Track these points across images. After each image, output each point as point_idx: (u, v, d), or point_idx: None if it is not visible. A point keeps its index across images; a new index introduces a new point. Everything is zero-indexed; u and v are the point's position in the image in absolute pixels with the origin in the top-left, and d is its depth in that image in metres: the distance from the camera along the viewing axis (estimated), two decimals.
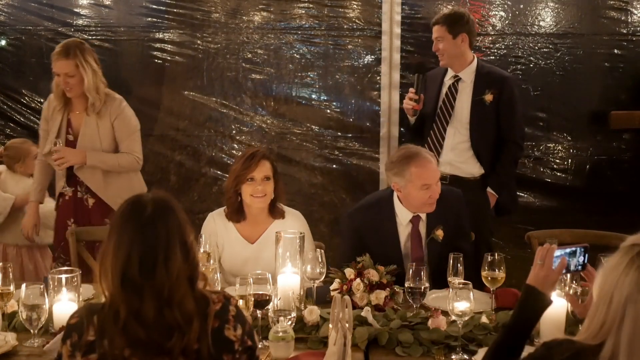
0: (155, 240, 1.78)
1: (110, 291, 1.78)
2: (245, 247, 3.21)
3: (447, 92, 3.93)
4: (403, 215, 3.14)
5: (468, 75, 3.93)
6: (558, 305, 2.37)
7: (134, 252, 1.76)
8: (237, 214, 3.20)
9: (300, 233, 2.84)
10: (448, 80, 3.95)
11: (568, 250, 2.08)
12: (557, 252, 2.04)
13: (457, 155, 3.91)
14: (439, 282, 2.89)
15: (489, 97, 3.88)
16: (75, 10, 4.70)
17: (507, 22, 4.67)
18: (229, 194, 3.20)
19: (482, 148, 3.90)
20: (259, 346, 2.46)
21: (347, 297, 2.21)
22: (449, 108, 3.90)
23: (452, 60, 3.91)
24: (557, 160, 4.69)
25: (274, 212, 3.22)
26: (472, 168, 3.93)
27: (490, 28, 4.67)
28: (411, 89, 3.90)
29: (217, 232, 3.21)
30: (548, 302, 2.01)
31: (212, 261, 2.83)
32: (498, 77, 3.93)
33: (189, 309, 1.78)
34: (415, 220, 3.14)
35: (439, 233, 3.13)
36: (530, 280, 2.03)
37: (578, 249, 2.10)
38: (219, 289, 2.79)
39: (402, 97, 4.62)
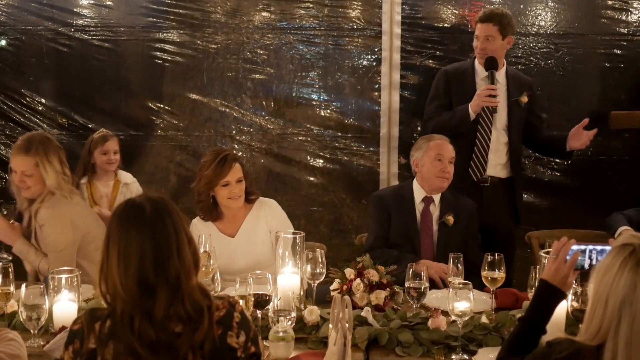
0: (165, 233, 1.78)
1: (121, 298, 1.75)
2: (228, 242, 3.27)
3: None
4: (418, 194, 3.49)
5: (502, 78, 3.91)
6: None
7: (146, 250, 1.75)
8: (212, 213, 3.29)
9: (301, 233, 2.85)
10: (482, 81, 3.90)
11: (578, 247, 2.07)
12: (574, 248, 2.05)
13: (499, 157, 3.92)
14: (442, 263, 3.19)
15: (524, 99, 3.90)
16: (75, 10, 4.70)
17: None
18: (200, 197, 3.27)
19: (517, 149, 3.95)
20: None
21: (347, 297, 2.21)
22: (490, 110, 3.83)
23: None
24: (557, 160, 4.67)
25: (247, 200, 3.31)
26: (506, 170, 3.96)
27: None
28: (491, 86, 3.78)
29: (202, 235, 3.24)
30: (560, 295, 2.05)
31: (212, 261, 2.84)
32: (527, 79, 4.03)
33: (198, 300, 1.78)
34: (426, 201, 3.48)
35: (450, 218, 3.44)
36: (543, 273, 2.08)
37: (590, 248, 2.09)
38: (219, 288, 2.80)
39: (402, 98, 4.64)
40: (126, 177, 4.22)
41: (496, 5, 4.48)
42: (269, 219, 3.30)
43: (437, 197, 3.49)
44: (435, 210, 3.47)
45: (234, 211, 3.28)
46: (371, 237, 3.47)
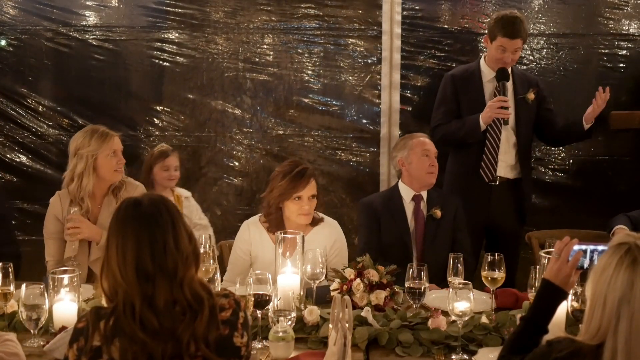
0: (161, 224, 1.81)
1: (121, 288, 1.78)
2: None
3: (495, 93, 3.85)
4: (406, 194, 3.51)
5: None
6: None
7: (142, 240, 1.78)
8: (277, 226, 3.17)
9: (302, 234, 2.84)
10: (489, 82, 3.89)
11: (579, 247, 2.08)
12: (575, 248, 2.06)
13: (508, 158, 3.90)
14: (430, 256, 3.33)
15: (531, 96, 3.88)
16: (75, 10, 4.69)
17: None
18: (270, 210, 3.18)
19: (525, 149, 3.93)
20: (259, 346, 2.47)
21: (347, 297, 2.21)
22: (502, 122, 3.80)
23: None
24: (558, 161, 4.68)
25: (313, 221, 3.23)
26: (515, 171, 3.93)
27: None
28: (502, 97, 3.75)
29: (251, 242, 3.23)
30: (562, 295, 2.06)
31: (212, 261, 2.84)
32: (532, 76, 4.02)
33: (198, 289, 1.81)
34: (416, 199, 3.51)
35: (437, 212, 3.48)
36: (545, 273, 2.09)
37: (591, 248, 2.09)
38: (219, 289, 2.80)
39: (402, 98, 4.63)
40: (183, 191, 4.17)
41: (506, 11, 4.11)
42: (326, 237, 3.22)
43: (424, 195, 3.52)
44: (424, 207, 3.51)
45: (297, 227, 3.15)
46: (361, 244, 3.46)
